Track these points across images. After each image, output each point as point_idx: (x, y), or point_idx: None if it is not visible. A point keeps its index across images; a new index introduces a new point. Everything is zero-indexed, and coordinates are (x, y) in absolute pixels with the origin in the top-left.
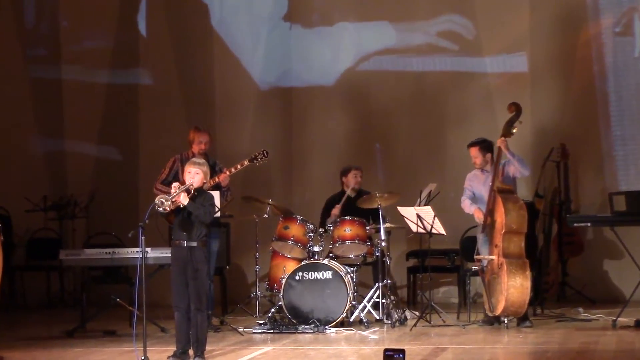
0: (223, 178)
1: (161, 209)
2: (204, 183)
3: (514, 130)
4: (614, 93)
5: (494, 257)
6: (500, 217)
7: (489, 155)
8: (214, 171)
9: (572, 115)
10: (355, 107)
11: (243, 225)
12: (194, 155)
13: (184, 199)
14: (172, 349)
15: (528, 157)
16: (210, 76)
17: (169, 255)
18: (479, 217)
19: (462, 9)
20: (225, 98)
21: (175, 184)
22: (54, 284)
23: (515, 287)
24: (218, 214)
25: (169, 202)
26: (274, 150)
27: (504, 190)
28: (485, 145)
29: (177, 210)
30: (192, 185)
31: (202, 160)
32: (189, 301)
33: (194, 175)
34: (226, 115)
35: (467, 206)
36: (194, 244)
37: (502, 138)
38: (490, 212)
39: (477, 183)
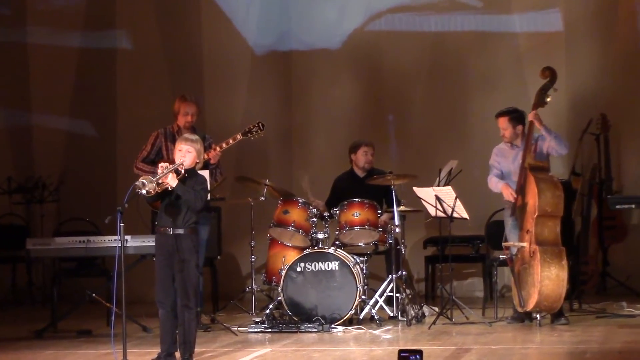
0: (212, 155)
1: (144, 191)
2: (197, 163)
3: (548, 99)
4: None
5: (525, 244)
6: (532, 198)
7: (519, 128)
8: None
9: (614, 81)
10: (364, 73)
11: (236, 209)
12: (179, 129)
13: (172, 181)
14: (155, 350)
15: (563, 130)
16: (198, 39)
17: (152, 244)
18: (507, 194)
19: None
20: (215, 64)
21: (162, 164)
22: (21, 277)
23: (550, 278)
24: (207, 197)
25: (154, 185)
26: (271, 123)
27: (537, 167)
28: (517, 116)
29: (163, 193)
30: (182, 165)
31: (196, 137)
32: (175, 297)
33: (186, 153)
34: (216, 84)
35: (494, 183)
36: (181, 231)
37: (535, 112)
38: (520, 193)
39: (505, 159)
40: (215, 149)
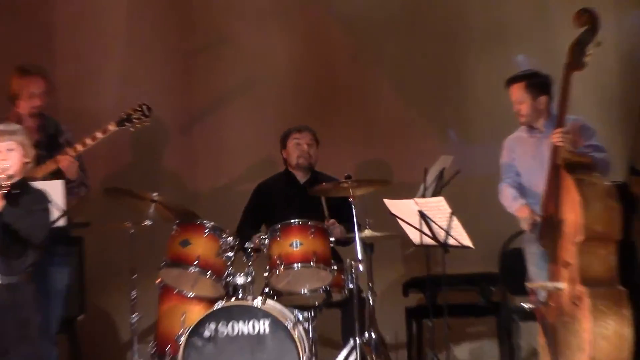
0: (65, 164)
1: None
2: (26, 163)
3: (587, 59)
4: None
5: (562, 284)
6: (573, 212)
7: (542, 100)
8: (57, 145)
9: None
10: (305, 21)
11: (107, 240)
12: (20, 119)
13: None
14: None
15: (613, 105)
16: None
17: None
18: (525, 217)
19: None
20: (71, 14)
21: None
22: None
23: (605, 337)
24: (61, 222)
25: None
26: (161, 105)
27: (578, 164)
28: (538, 82)
29: None
30: (4, 175)
31: (14, 127)
32: None
33: (6, 154)
34: (73, 44)
35: (509, 199)
36: (15, 279)
37: (559, 131)
38: (551, 204)
39: (524, 153)
40: (66, 153)
